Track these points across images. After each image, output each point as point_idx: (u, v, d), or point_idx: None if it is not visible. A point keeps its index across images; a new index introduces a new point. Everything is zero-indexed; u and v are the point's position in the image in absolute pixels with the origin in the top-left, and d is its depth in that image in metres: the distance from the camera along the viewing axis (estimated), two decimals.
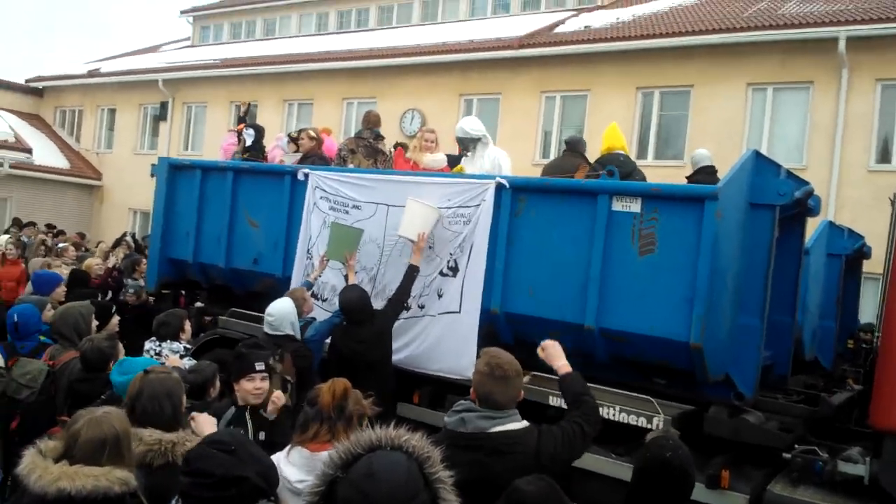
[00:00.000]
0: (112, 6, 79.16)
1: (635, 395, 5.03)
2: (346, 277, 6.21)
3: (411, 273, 5.69)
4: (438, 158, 6.99)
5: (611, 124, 7.19)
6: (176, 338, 5.26)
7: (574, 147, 6.91)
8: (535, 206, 5.46)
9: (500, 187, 5.60)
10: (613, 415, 5.00)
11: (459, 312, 5.69)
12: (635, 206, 4.99)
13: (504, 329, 5.60)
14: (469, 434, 3.04)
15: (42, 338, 5.14)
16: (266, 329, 5.46)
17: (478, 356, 5.16)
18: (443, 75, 16.44)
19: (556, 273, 5.28)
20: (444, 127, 15.38)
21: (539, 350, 3.73)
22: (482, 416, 3.06)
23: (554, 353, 3.66)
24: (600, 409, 4.95)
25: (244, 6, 25.35)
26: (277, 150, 8.51)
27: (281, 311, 5.49)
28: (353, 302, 5.53)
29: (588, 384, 5.07)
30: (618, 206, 5.04)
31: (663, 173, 11.06)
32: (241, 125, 8.63)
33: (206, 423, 3.33)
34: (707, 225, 4.64)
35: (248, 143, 8.26)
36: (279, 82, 19.11)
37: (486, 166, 6.64)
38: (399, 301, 5.68)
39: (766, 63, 12.80)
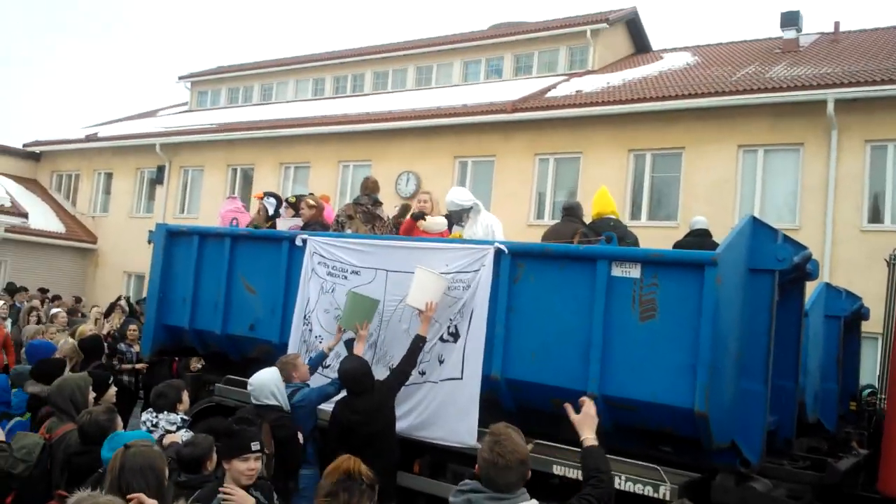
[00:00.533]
0: (110, 72, 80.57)
1: (641, 463, 4.94)
2: (349, 346, 6.14)
3: (417, 344, 5.63)
4: (438, 222, 7.01)
5: (600, 188, 7.29)
6: (173, 409, 5.17)
7: (572, 212, 6.97)
8: (534, 272, 5.47)
9: (498, 252, 5.62)
10: (619, 484, 4.89)
11: (461, 379, 5.63)
12: (635, 272, 4.99)
13: (505, 395, 5.54)
14: None
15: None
16: (251, 398, 5.40)
17: (481, 423, 5.17)
18: (437, 138, 16.68)
19: (557, 339, 5.25)
20: (439, 189, 15.53)
21: (569, 406, 3.66)
22: (489, 498, 2.97)
23: (586, 421, 3.60)
24: None
25: (241, 72, 25.86)
26: (229, 214, 8.52)
27: (261, 380, 5.44)
28: (353, 372, 5.45)
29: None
30: (617, 271, 5.05)
31: (656, 234, 11.17)
32: (261, 194, 8.62)
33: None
34: (708, 291, 4.65)
35: (271, 211, 8.25)
36: (276, 146, 19.34)
37: (479, 233, 6.66)
38: (404, 373, 5.60)
39: (756, 125, 13.05)
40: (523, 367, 5.39)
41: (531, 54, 20.01)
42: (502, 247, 5.63)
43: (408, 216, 7.29)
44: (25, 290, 14.36)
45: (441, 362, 5.77)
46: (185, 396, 5.38)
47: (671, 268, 4.92)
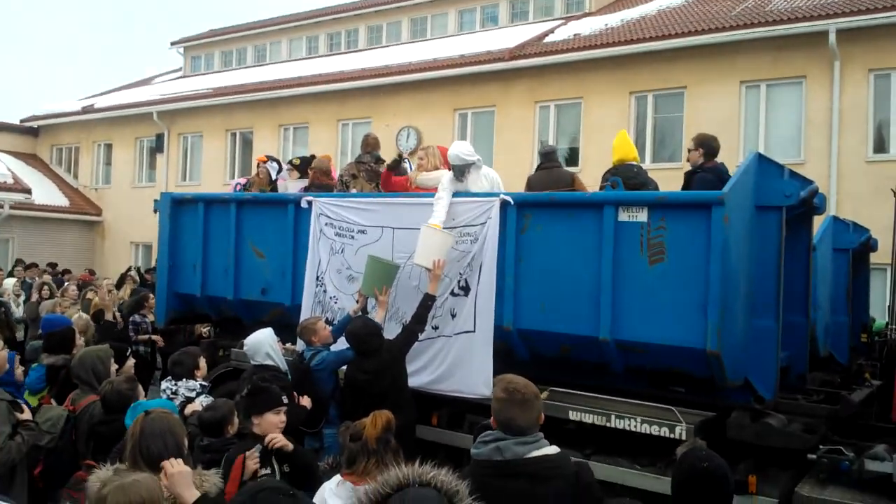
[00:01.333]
0: (103, 42, 79.57)
1: (655, 405, 5.00)
2: (365, 311, 6.14)
3: (427, 302, 5.61)
4: (434, 177, 6.93)
5: (620, 132, 7.10)
6: (191, 376, 5.24)
7: (552, 157, 6.93)
8: (540, 222, 5.47)
9: (504, 204, 5.61)
10: (635, 426, 4.98)
11: (474, 331, 5.67)
12: (642, 216, 4.99)
13: (518, 345, 5.59)
14: (507, 462, 2.99)
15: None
16: (249, 359, 5.48)
17: (495, 374, 5.23)
18: (436, 91, 16.50)
19: (566, 287, 5.27)
20: (439, 141, 15.36)
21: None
22: (519, 443, 3.02)
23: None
24: (622, 420, 4.98)
25: (234, 34, 25.51)
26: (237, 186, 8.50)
27: (255, 340, 5.51)
28: (359, 333, 5.42)
29: (609, 397, 5.13)
30: (624, 216, 5.05)
31: (661, 175, 10.94)
32: (263, 157, 8.58)
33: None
34: (715, 230, 4.64)
35: (273, 175, 8.22)
36: (273, 108, 19.18)
37: (485, 185, 6.62)
38: (413, 331, 5.59)
39: (757, 60, 12.85)
40: (534, 317, 5.42)
41: None
42: (508, 198, 5.62)
43: (383, 167, 7.27)
44: (36, 265, 14.44)
45: (454, 316, 5.81)
46: (202, 363, 5.45)
47: (678, 210, 4.91)
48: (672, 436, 4.82)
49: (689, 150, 6.35)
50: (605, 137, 13.96)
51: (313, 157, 8.23)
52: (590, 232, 5.15)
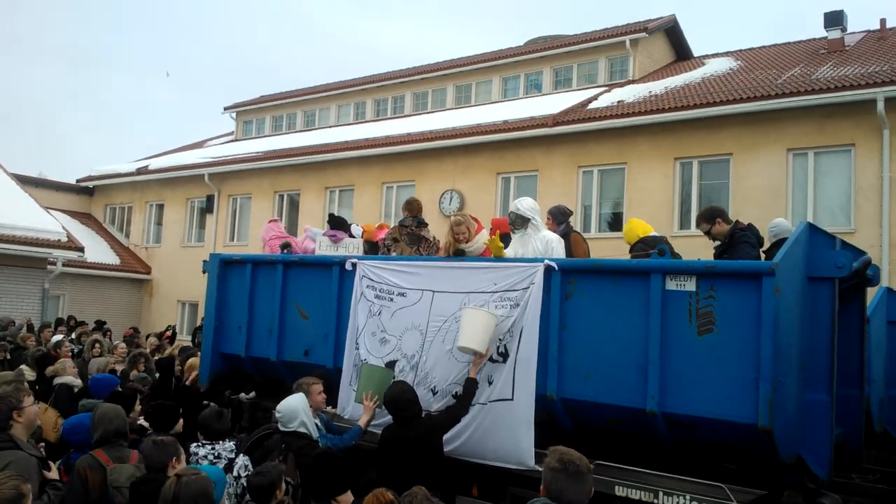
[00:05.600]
0: (159, 106, 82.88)
1: (705, 481, 4.83)
2: (390, 366, 6.16)
3: (471, 388, 5.53)
4: (477, 247, 6.94)
5: (630, 219, 7.41)
6: (226, 437, 5.23)
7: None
8: (585, 288, 5.41)
9: (548, 269, 5.58)
10: (684, 503, 4.81)
11: (512, 399, 5.54)
12: (690, 285, 4.91)
13: (562, 415, 5.48)
14: None
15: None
16: (279, 426, 5.41)
17: (538, 445, 5.12)
18: (479, 155, 16.74)
19: (612, 356, 5.18)
20: (482, 205, 15.67)
21: None
22: None
23: None
24: (670, 497, 4.81)
25: (284, 100, 26.36)
26: (308, 242, 8.60)
27: (290, 407, 5.44)
28: (397, 399, 5.29)
29: (657, 473, 4.96)
30: (672, 285, 4.98)
31: (707, 243, 10.95)
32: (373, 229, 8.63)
33: None
34: (766, 301, 4.55)
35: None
36: (320, 171, 19.62)
37: (538, 248, 6.58)
38: (457, 414, 5.48)
39: (804, 128, 12.78)
40: (579, 386, 5.32)
41: (570, 67, 19.99)
42: (552, 263, 5.59)
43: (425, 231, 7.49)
44: (84, 323, 14.74)
45: (490, 383, 5.67)
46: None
47: (727, 279, 4.82)
48: None
49: (710, 227, 6.47)
50: (650, 202, 13.98)
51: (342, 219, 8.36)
52: (636, 300, 5.09)
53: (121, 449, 4.72)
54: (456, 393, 5.78)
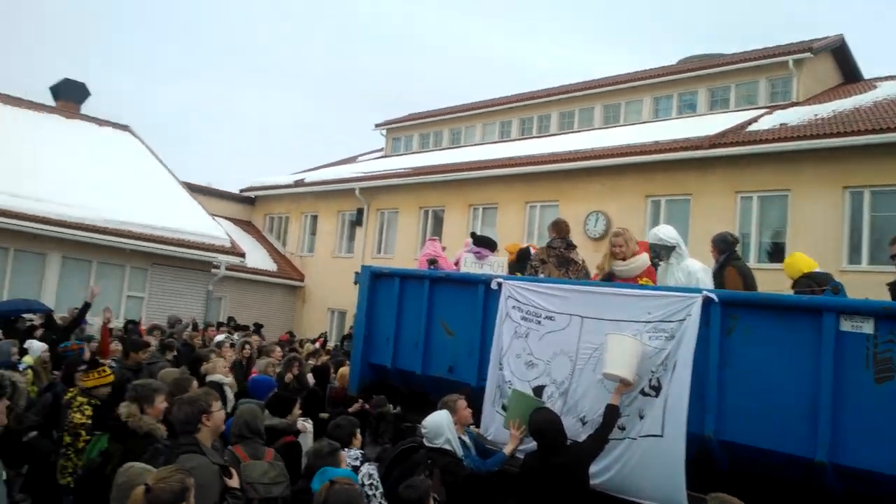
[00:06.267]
0: (317, 123, 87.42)
1: None
2: (538, 392, 6.08)
3: (613, 416, 5.39)
4: (633, 267, 6.73)
5: (793, 253, 6.94)
6: (350, 443, 5.35)
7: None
8: (749, 324, 5.10)
9: (707, 301, 5.32)
10: None
11: (662, 436, 5.29)
12: (867, 327, 4.53)
13: (719, 458, 5.18)
14: None
15: None
16: (425, 441, 5.44)
17: (692, 487, 4.87)
18: (627, 177, 16.32)
19: (778, 399, 4.84)
20: (630, 228, 15.07)
21: None
22: None
23: None
24: None
25: (432, 118, 27.02)
26: (426, 256, 8.70)
27: (435, 423, 5.46)
28: (545, 427, 5.20)
29: None
30: (846, 326, 4.61)
31: (878, 280, 10.09)
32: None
33: None
34: None
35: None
36: (464, 188, 19.88)
37: (680, 279, 6.33)
38: (602, 440, 5.35)
39: None
40: (740, 429, 5.00)
41: (727, 87, 19.15)
42: (712, 295, 5.32)
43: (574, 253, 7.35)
44: (247, 327, 15.62)
45: (641, 417, 5.44)
46: (358, 432, 5.53)
47: None
48: None
49: None
50: (815, 233, 13.05)
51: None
52: (807, 340, 4.75)
53: (256, 446, 4.90)
54: (622, 426, 5.63)
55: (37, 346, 8.41)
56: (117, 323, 14.29)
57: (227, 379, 7.98)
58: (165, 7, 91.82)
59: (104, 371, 6.45)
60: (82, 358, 7.76)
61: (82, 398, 6.16)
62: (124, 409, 4.94)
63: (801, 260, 6.70)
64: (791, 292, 6.35)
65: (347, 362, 9.39)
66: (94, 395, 6.22)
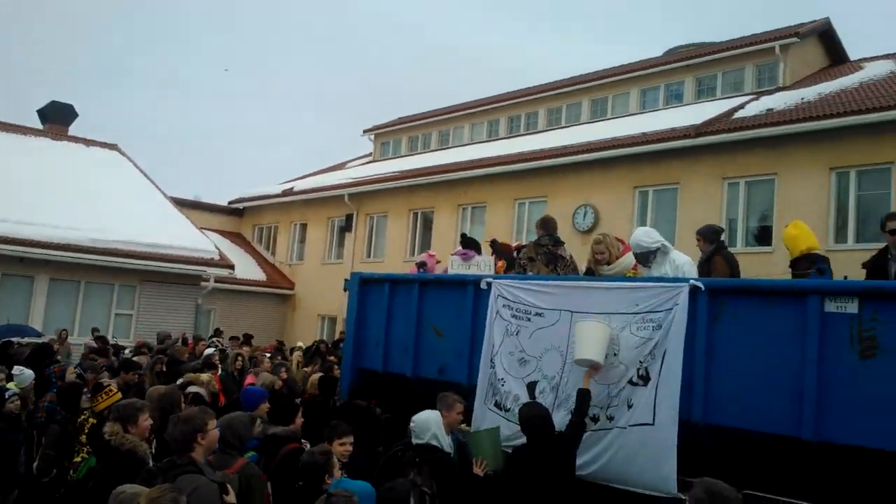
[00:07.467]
0: (304, 131, 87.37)
1: None
2: (531, 390, 6.10)
3: (585, 398, 5.46)
4: (619, 270, 6.73)
5: (796, 222, 6.72)
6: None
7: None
8: (735, 310, 5.11)
9: (694, 290, 5.31)
10: None
11: (653, 424, 5.31)
12: (852, 307, 4.53)
13: (708, 442, 5.18)
14: None
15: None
16: (412, 439, 5.45)
17: (682, 472, 4.86)
18: (614, 169, 16.33)
19: (764, 381, 4.85)
20: (618, 220, 15.26)
21: None
22: None
23: None
24: None
25: (419, 121, 27.01)
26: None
27: (423, 419, 5.46)
28: (534, 420, 5.24)
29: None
30: (831, 307, 4.61)
31: (865, 258, 10.09)
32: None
33: None
34: None
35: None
36: (453, 189, 19.88)
37: (668, 273, 6.35)
38: (581, 424, 5.41)
39: None
40: (727, 412, 5.01)
41: (714, 76, 19.15)
42: (699, 284, 5.32)
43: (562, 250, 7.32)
44: (237, 338, 15.57)
45: (630, 406, 5.48)
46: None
47: (894, 302, 4.40)
48: None
49: None
50: (802, 214, 12.95)
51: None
52: (792, 323, 4.75)
53: (227, 458, 4.85)
54: (594, 415, 5.63)
55: (28, 374, 8.29)
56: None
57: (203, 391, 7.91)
58: (146, 20, 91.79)
59: (111, 390, 6.43)
60: (82, 382, 7.73)
61: (94, 420, 6.19)
62: (108, 428, 4.90)
63: (803, 234, 6.49)
64: (790, 271, 6.34)
65: (337, 368, 9.37)
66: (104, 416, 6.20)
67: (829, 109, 13.33)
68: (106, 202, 19.32)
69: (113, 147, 23.97)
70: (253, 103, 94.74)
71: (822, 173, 13.24)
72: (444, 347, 7.24)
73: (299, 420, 6.26)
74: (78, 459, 6.06)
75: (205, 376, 7.17)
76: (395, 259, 20.10)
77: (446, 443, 5.51)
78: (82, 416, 6.45)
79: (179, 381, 7.85)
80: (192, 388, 7.51)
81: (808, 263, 5.62)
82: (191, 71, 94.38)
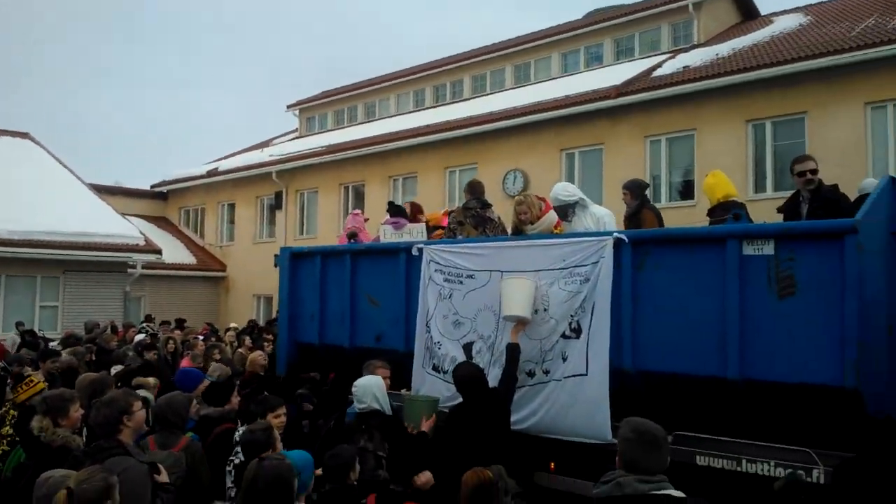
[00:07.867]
0: (225, 110, 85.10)
1: (789, 447, 4.64)
2: (467, 351, 6.23)
3: (514, 353, 5.60)
4: (543, 228, 6.85)
5: (715, 172, 6.97)
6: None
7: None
8: (658, 259, 5.28)
9: (618, 243, 5.46)
10: (769, 470, 4.64)
11: (586, 374, 5.50)
12: (768, 249, 4.73)
13: (639, 388, 5.37)
14: (626, 497, 2.91)
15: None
16: (355, 405, 5.50)
17: (616, 418, 5.04)
18: (541, 133, 16.50)
19: (689, 326, 5.03)
20: (547, 183, 15.31)
21: None
22: (640, 480, 2.93)
23: None
24: (754, 464, 4.66)
25: (345, 94, 26.63)
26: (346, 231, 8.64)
27: (364, 384, 5.51)
28: (468, 379, 5.36)
29: (739, 440, 4.79)
30: (749, 250, 4.80)
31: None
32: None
33: None
34: (849, 260, 4.34)
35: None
36: (383, 161, 19.75)
37: (590, 226, 6.51)
38: (513, 378, 5.55)
39: (883, 80, 12.11)
40: (656, 358, 5.20)
41: (632, 36, 19.48)
42: (622, 236, 5.47)
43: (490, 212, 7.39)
44: (168, 323, 15.27)
45: (564, 359, 5.65)
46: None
47: (808, 240, 4.62)
48: (809, 479, 4.46)
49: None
50: (722, 167, 13.22)
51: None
52: (713, 268, 4.93)
53: (169, 436, 4.91)
54: (531, 370, 5.78)
55: None
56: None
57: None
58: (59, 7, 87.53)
59: (32, 381, 6.21)
60: (5, 374, 7.49)
61: (14, 412, 5.91)
62: (36, 423, 4.75)
63: (720, 183, 6.73)
64: (707, 219, 6.57)
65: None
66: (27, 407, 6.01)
67: (742, 64, 13.72)
68: (21, 192, 18.50)
69: (24, 135, 22.88)
70: (168, 88, 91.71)
71: (738, 126, 13.67)
72: (380, 316, 7.28)
73: (235, 400, 6.23)
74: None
75: (151, 380, 7.03)
76: (329, 234, 19.90)
77: (387, 405, 5.56)
78: (3, 408, 6.23)
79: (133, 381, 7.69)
80: (141, 392, 7.39)
81: (724, 211, 5.83)
82: (101, 58, 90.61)
